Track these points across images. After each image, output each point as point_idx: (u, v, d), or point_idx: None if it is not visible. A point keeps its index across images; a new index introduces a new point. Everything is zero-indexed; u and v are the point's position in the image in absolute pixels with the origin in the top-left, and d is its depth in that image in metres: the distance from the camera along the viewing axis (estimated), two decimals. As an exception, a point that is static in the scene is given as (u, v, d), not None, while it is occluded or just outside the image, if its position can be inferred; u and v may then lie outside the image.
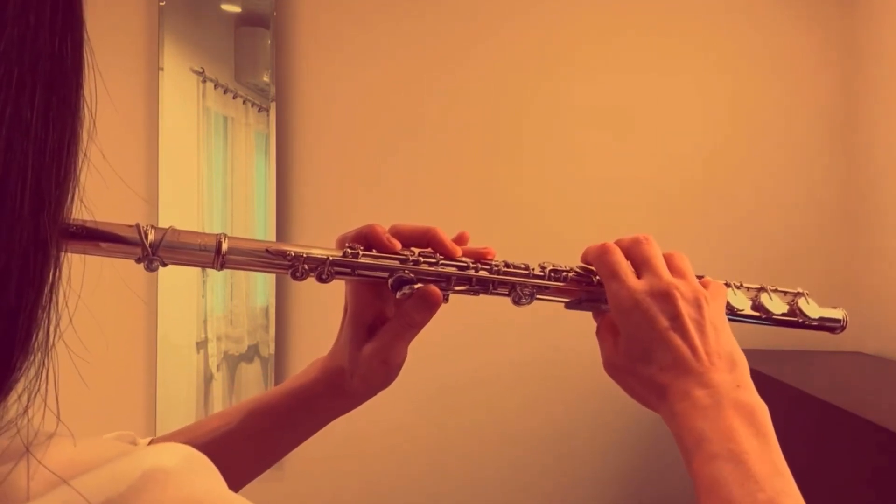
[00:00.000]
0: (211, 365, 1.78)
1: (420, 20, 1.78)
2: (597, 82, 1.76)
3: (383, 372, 0.53)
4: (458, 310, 1.70)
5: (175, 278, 1.77)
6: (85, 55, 0.29)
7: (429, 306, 0.50)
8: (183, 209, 1.77)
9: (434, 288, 0.50)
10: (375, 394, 0.55)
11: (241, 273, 1.81)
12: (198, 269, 1.77)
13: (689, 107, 1.75)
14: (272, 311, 1.76)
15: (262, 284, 1.79)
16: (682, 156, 1.74)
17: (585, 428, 1.74)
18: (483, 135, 1.77)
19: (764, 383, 1.26)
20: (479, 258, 0.52)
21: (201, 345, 1.77)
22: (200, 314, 1.77)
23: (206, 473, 0.30)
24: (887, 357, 1.53)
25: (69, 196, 0.29)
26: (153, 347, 1.76)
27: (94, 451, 0.27)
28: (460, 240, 0.52)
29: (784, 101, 1.73)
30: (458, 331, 1.73)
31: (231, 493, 0.29)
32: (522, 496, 1.75)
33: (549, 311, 1.71)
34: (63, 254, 0.29)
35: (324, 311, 1.72)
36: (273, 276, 1.75)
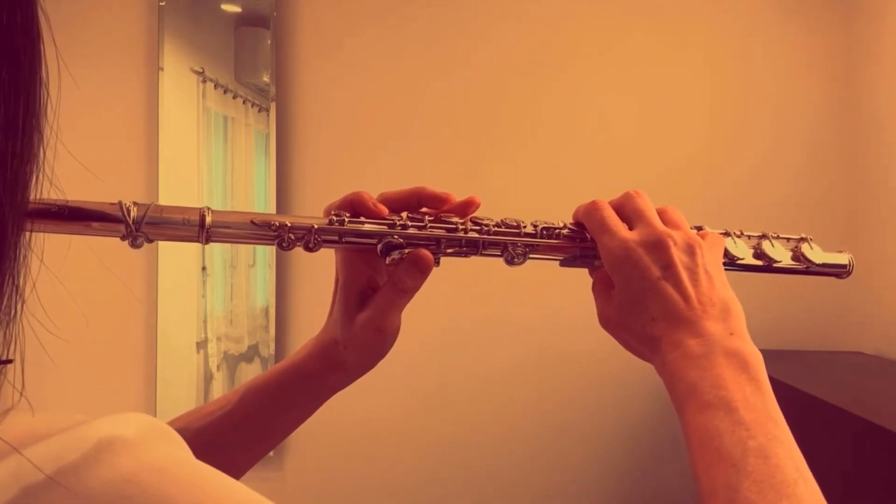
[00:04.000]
0: (211, 365, 1.78)
1: (419, 21, 1.78)
2: (597, 83, 1.76)
3: (378, 341, 0.52)
4: (458, 307, 1.71)
5: (175, 278, 1.77)
6: (39, 29, 0.28)
7: (421, 270, 0.49)
8: (183, 209, 1.76)
9: (425, 252, 0.49)
10: (371, 366, 0.53)
11: (241, 273, 1.82)
12: (197, 269, 1.77)
13: (685, 108, 1.75)
14: (272, 311, 1.76)
15: (262, 284, 1.79)
16: (679, 157, 1.74)
17: (582, 423, 1.74)
18: (482, 134, 1.77)
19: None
20: (466, 208, 0.52)
21: (201, 345, 1.77)
22: (200, 314, 1.77)
23: (169, 442, 0.28)
24: (887, 357, 1.53)
25: (28, 175, 0.28)
26: (153, 347, 1.76)
27: (51, 422, 0.26)
28: (447, 199, 0.52)
29: (783, 102, 1.73)
30: (455, 328, 1.73)
31: (197, 461, 0.28)
32: (521, 491, 1.75)
33: (548, 308, 1.71)
34: (29, 236, 0.28)
35: (324, 310, 1.71)
36: (273, 276, 1.75)
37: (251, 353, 1.79)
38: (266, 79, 1.76)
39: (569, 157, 1.75)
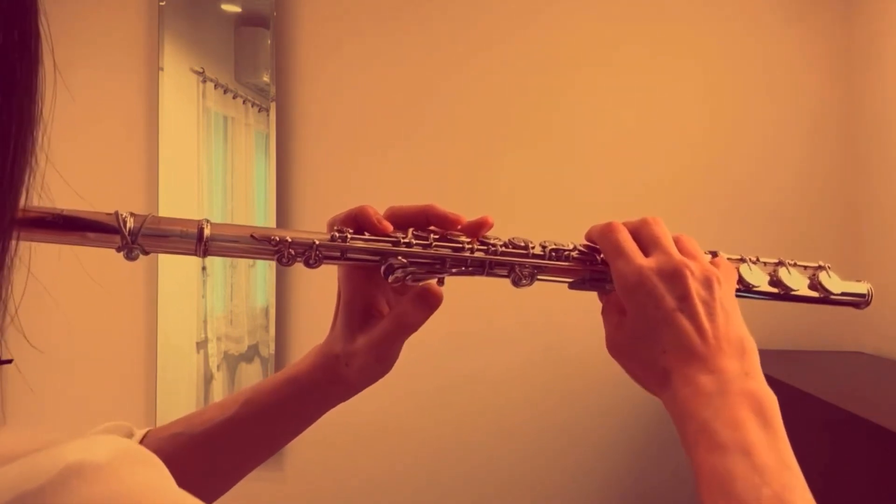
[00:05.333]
0: (211, 365, 1.78)
1: (420, 21, 1.78)
2: (596, 85, 1.76)
3: (377, 367, 0.52)
4: (457, 308, 1.70)
5: (175, 278, 1.77)
6: (38, 44, 0.28)
7: (428, 307, 0.48)
8: (183, 209, 1.77)
9: (436, 288, 0.48)
10: (372, 383, 0.53)
11: (241, 273, 1.82)
12: (197, 269, 1.77)
13: (686, 109, 1.75)
14: (272, 311, 1.76)
15: (262, 284, 1.79)
16: (679, 158, 1.74)
17: (582, 425, 1.74)
18: (482, 134, 1.77)
19: (764, 383, 1.26)
20: (478, 228, 0.50)
21: (201, 345, 1.77)
22: (200, 314, 1.77)
23: (144, 466, 0.26)
24: (887, 357, 1.53)
25: (20, 188, 0.28)
26: (153, 347, 1.76)
27: (17, 443, 0.25)
28: (457, 221, 0.50)
29: (782, 102, 1.72)
30: (456, 330, 1.73)
31: (178, 489, 0.26)
32: (521, 492, 1.75)
33: (548, 309, 1.71)
34: (16, 246, 0.28)
35: (324, 311, 1.71)
36: (273, 276, 1.75)
37: (251, 353, 1.79)
38: (266, 79, 1.76)
39: (571, 160, 1.75)
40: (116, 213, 0.42)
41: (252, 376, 1.78)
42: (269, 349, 1.76)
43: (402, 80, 1.78)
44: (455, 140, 1.77)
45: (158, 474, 0.27)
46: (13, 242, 0.27)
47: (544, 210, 1.73)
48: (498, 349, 1.75)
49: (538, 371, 1.75)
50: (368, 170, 1.77)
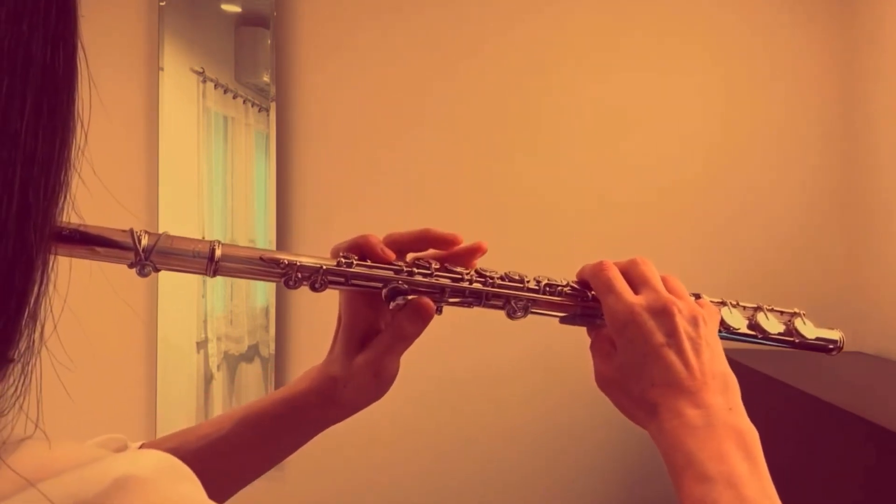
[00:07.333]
0: (211, 365, 1.78)
1: (420, 20, 1.78)
2: (595, 85, 1.76)
3: (375, 384, 0.53)
4: (457, 308, 1.70)
5: (175, 279, 1.77)
6: (78, 65, 0.29)
7: (421, 319, 0.50)
8: (183, 209, 1.77)
9: (427, 301, 0.50)
10: (368, 405, 0.54)
11: (241, 273, 1.81)
12: (198, 269, 1.77)
13: (687, 109, 1.75)
14: (272, 311, 1.76)
15: (262, 284, 1.79)
16: (680, 157, 1.74)
17: (585, 424, 1.74)
18: (483, 134, 1.77)
19: (764, 382, 1.26)
20: (473, 253, 0.52)
21: (201, 345, 1.77)
22: (200, 314, 1.77)
23: (183, 481, 0.29)
24: (887, 357, 1.53)
25: (58, 207, 0.28)
26: (153, 347, 1.76)
27: (67, 455, 0.27)
28: (454, 241, 0.52)
29: (784, 101, 1.72)
30: (457, 328, 1.73)
31: (210, 501, 0.29)
32: (522, 492, 1.75)
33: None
34: (52, 263, 0.29)
35: (324, 311, 1.71)
36: (273, 276, 1.75)
37: (251, 353, 1.79)
38: (266, 79, 1.76)
39: (572, 159, 1.75)
40: (131, 231, 0.43)
41: (252, 376, 1.79)
42: (269, 349, 1.76)
43: (401, 79, 1.78)
44: (455, 139, 1.77)
45: (195, 488, 0.29)
46: (51, 258, 0.28)
47: (546, 210, 1.73)
48: (498, 349, 1.74)
49: (538, 371, 1.75)
50: (368, 170, 1.77)
